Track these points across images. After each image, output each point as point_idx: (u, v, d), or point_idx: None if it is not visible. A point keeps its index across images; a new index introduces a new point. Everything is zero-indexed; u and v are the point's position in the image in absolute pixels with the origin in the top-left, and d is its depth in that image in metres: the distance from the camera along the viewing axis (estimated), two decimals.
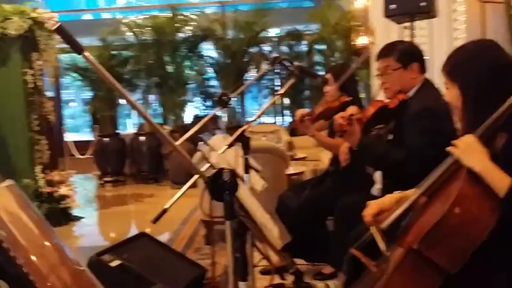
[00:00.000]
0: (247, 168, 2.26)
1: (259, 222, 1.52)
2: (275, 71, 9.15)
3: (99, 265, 2.90)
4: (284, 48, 9.86)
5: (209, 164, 1.62)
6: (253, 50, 9.34)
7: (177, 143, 2.69)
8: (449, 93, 1.86)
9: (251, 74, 9.56)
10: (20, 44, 5.36)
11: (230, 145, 2.17)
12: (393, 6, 3.85)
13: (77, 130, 13.64)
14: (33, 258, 0.86)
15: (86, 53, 1.19)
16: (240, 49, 8.95)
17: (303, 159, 7.12)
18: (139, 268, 3.00)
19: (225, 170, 1.35)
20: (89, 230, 6.02)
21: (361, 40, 8.62)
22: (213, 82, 9.76)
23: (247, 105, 11.93)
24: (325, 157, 5.02)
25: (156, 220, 2.22)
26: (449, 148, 1.71)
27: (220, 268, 3.25)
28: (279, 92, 2.46)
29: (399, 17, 3.98)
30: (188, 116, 10.59)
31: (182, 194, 2.18)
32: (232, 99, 2.94)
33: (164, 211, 2.16)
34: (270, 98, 10.02)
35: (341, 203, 3.10)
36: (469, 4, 4.38)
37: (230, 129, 8.74)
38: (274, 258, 2.53)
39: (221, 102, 2.84)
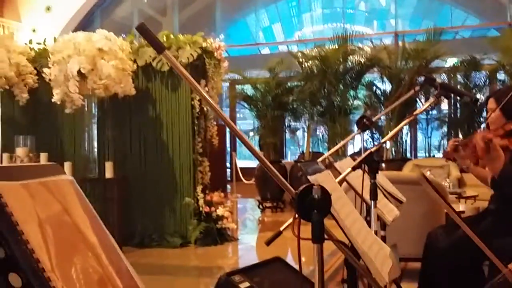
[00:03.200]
0: (374, 194, 2.06)
1: (362, 251, 1.33)
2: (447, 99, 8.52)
3: (228, 285, 2.87)
4: (460, 79, 9.21)
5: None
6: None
7: (319, 160, 2.60)
8: None
9: (420, 105, 9.06)
10: (189, 71, 5.76)
11: (354, 168, 2.00)
12: None
13: (251, 158, 14.36)
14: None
15: (167, 53, 1.16)
16: (408, 79, 8.55)
17: (473, 197, 6.47)
18: None
19: (315, 186, 1.21)
20: (244, 252, 6.13)
21: None
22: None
23: (419, 139, 11.35)
24: None
25: (270, 242, 2.14)
26: None
27: None
28: (416, 112, 2.22)
29: None
30: (355, 147, 10.42)
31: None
32: (373, 122, 2.76)
33: (279, 233, 2.08)
34: (440, 130, 9.39)
35: (497, 246, 2.66)
36: None
37: (393, 161, 8.35)
38: None
39: (361, 125, 2.68)
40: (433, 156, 9.34)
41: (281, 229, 1.98)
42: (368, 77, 9.25)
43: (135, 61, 5.85)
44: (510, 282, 1.48)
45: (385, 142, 2.62)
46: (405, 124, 2.31)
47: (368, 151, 2.03)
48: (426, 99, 8.60)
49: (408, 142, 10.62)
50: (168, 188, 5.97)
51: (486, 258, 2.89)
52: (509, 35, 8.79)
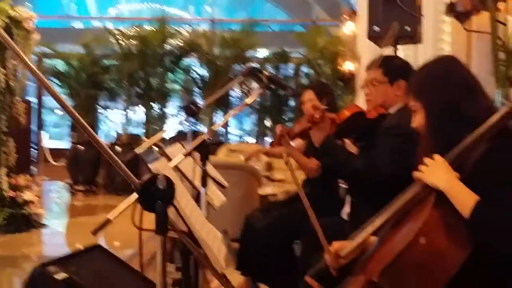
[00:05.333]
0: (205, 181, 2.09)
1: (201, 239, 1.35)
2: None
3: (42, 277, 2.67)
4: (270, 69, 9.81)
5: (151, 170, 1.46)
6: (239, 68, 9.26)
7: (137, 149, 2.53)
8: (417, 117, 1.71)
9: (237, 92, 9.45)
10: None
11: (187, 155, 2.00)
12: (376, 28, 3.74)
13: (60, 138, 13.40)
14: None
15: None
16: (225, 66, 8.84)
17: (281, 181, 6.97)
18: (86, 282, 2.76)
19: (160, 176, 1.19)
20: (52, 239, 5.74)
21: (346, 66, 8.57)
22: (199, 99, 9.65)
23: (232, 124, 11.86)
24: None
25: (96, 231, 2.04)
26: (414, 173, 1.56)
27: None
28: (246, 101, 2.31)
29: (382, 40, 3.87)
30: (172, 131, 10.41)
31: (129, 205, 2.02)
32: (200, 109, 2.79)
33: (107, 221, 1.99)
34: (253, 117, 9.93)
35: (309, 227, 2.93)
36: (455, 33, 4.31)
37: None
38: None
39: (188, 110, 2.69)
40: (245, 141, 9.86)
41: (112, 218, 1.89)
42: (186, 61, 9.33)
43: None
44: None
45: (221, 126, 2.68)
46: (237, 112, 2.39)
47: (202, 138, 2.05)
48: (240, 87, 8.99)
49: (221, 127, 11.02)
50: None
51: (296, 237, 3.16)
52: (313, 32, 9.62)
